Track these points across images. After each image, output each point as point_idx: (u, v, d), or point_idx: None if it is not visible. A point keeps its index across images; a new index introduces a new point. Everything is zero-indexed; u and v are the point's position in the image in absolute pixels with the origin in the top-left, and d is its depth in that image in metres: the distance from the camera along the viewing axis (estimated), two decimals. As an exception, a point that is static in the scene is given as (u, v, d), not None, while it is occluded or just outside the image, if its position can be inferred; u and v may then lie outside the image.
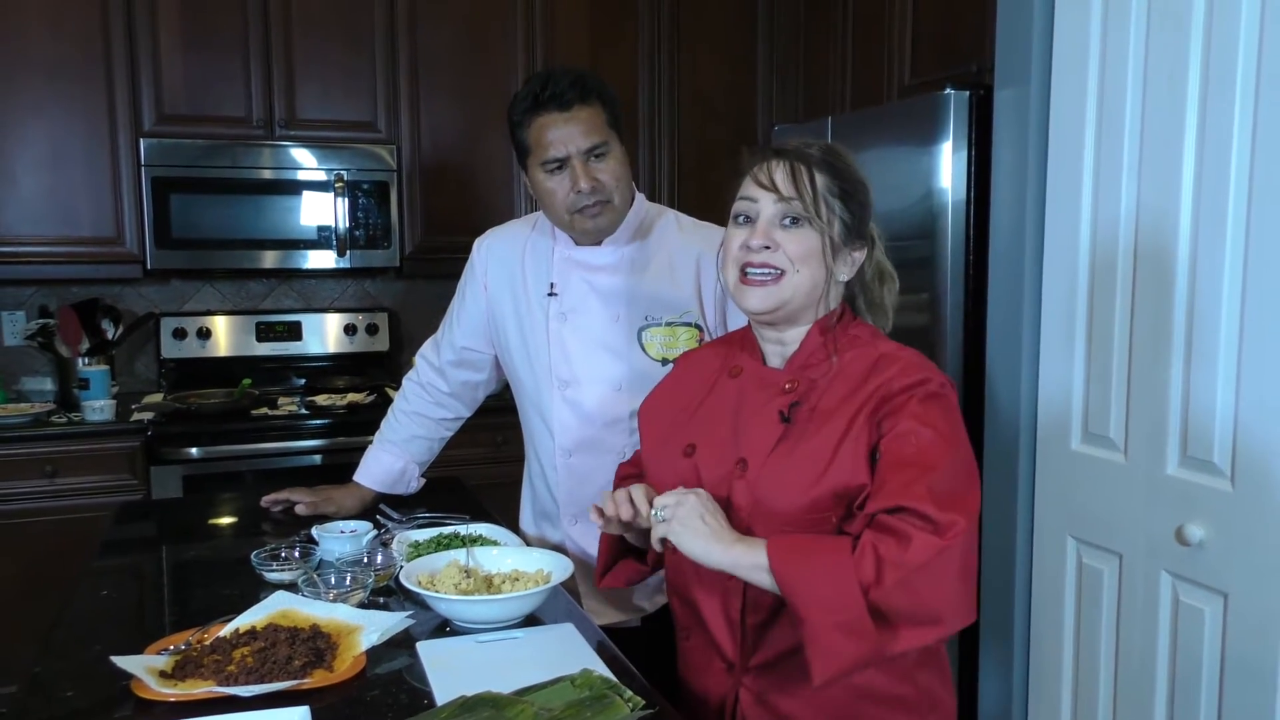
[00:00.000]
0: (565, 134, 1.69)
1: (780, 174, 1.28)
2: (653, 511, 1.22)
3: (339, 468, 2.17)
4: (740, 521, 1.28)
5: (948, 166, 2.48)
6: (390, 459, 2.07)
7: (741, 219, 1.32)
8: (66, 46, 3.18)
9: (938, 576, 1.13)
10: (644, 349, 1.80)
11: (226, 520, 2.14)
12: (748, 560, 1.17)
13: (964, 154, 2.47)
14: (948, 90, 2.46)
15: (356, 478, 2.08)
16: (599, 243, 1.81)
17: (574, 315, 1.82)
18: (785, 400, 1.31)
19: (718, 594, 1.34)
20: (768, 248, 1.28)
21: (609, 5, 3.74)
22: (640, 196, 1.87)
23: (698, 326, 1.80)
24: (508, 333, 1.91)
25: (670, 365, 1.75)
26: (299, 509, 2.00)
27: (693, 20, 3.85)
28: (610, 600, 1.84)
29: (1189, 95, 1.86)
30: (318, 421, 3.27)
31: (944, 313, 2.52)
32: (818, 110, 3.54)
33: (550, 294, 1.84)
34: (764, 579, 1.17)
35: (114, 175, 3.27)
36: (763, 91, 3.95)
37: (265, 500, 2.06)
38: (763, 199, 1.29)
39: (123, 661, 1.25)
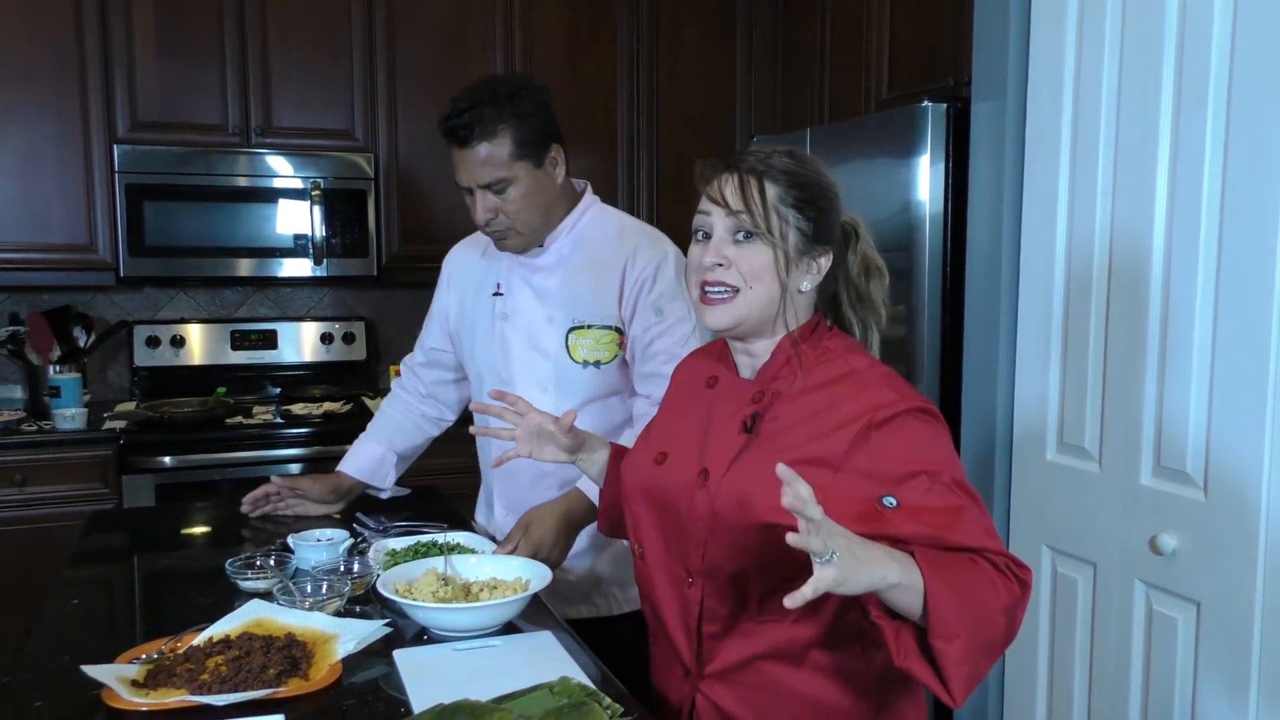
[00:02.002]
0: (466, 166, 1.75)
1: (730, 187, 1.26)
2: (824, 556, 1.01)
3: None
4: (699, 531, 1.27)
5: (925, 179, 2.49)
6: (370, 446, 2.11)
7: (700, 235, 1.29)
8: (40, 51, 3.15)
9: (1026, 603, 1.17)
10: (569, 351, 1.87)
11: (200, 529, 2.11)
12: (906, 581, 1.06)
13: (941, 166, 2.49)
14: (925, 103, 2.48)
15: (338, 467, 2.10)
16: (541, 244, 1.88)
17: (515, 315, 1.91)
18: (749, 411, 1.29)
19: (677, 602, 1.33)
20: (721, 265, 1.25)
21: (587, 16, 3.75)
22: (588, 198, 1.92)
23: (618, 330, 1.86)
24: (462, 332, 2.01)
25: (590, 368, 1.87)
26: (273, 498, 2.01)
27: (672, 32, 3.86)
28: (567, 595, 1.90)
29: (1162, 111, 1.89)
30: (293, 431, 3.25)
31: (921, 324, 2.53)
32: (797, 122, 3.56)
33: (496, 294, 1.93)
34: (913, 600, 1.08)
35: (87, 182, 3.24)
36: (741, 102, 3.97)
37: (245, 507, 2.02)
38: (715, 214, 1.27)
39: (93, 671, 1.23)
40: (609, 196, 3.79)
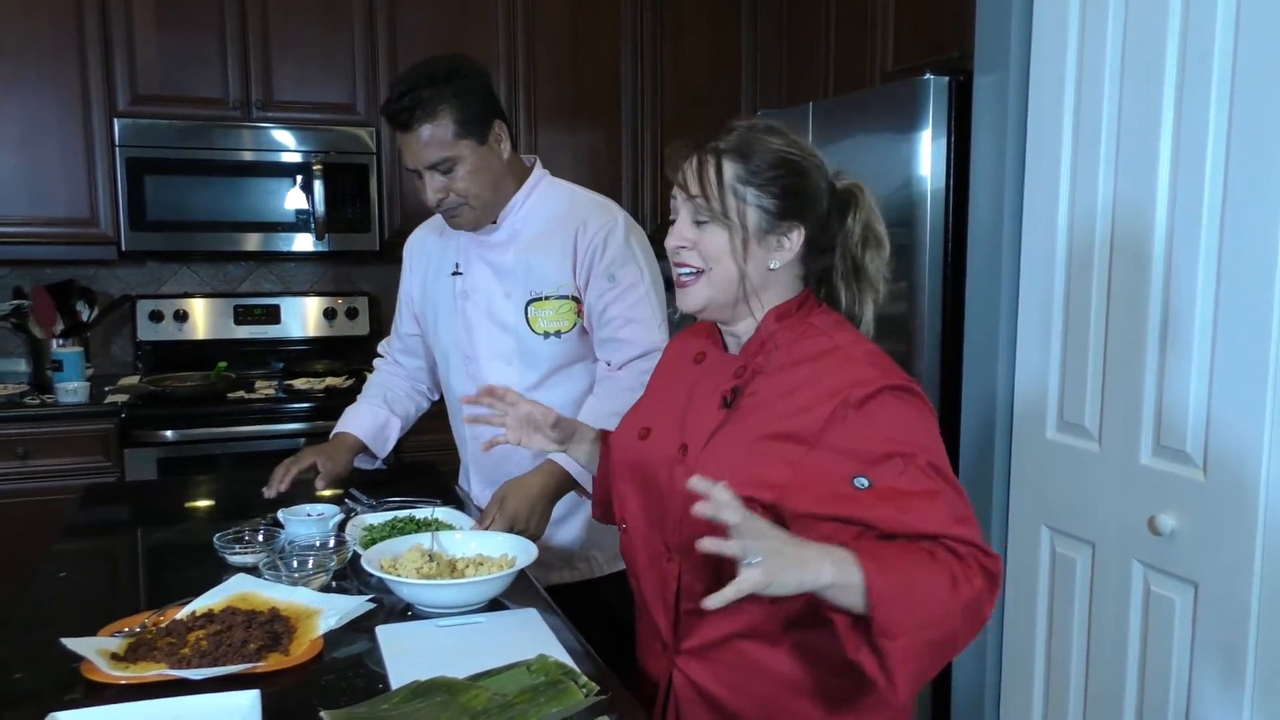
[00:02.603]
0: (411, 150, 1.78)
1: (690, 170, 1.26)
2: (746, 561, 1.03)
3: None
4: (678, 506, 1.26)
5: (927, 154, 2.46)
6: (372, 409, 2.11)
7: (671, 218, 1.30)
8: (39, 24, 3.14)
9: (993, 595, 1.13)
10: (529, 324, 1.89)
11: (194, 504, 2.11)
12: (843, 581, 1.05)
13: (943, 141, 2.45)
14: (927, 75, 2.44)
15: (340, 428, 2.07)
16: (495, 220, 1.90)
17: (474, 293, 1.94)
18: (730, 386, 1.29)
19: (657, 577, 1.33)
20: (684, 247, 1.26)
21: (591, -9, 3.71)
22: (538, 172, 1.93)
23: (575, 298, 1.89)
24: (425, 314, 2.05)
25: (552, 338, 1.90)
26: (318, 483, 1.93)
27: (676, 5, 3.82)
28: (550, 562, 1.92)
29: (1166, 86, 1.85)
30: (295, 405, 3.25)
31: (922, 301, 2.50)
32: (802, 96, 3.52)
33: (455, 273, 1.96)
34: (854, 599, 1.06)
35: (88, 155, 3.23)
36: (746, 76, 3.92)
37: (268, 490, 1.91)
38: (679, 197, 1.28)
39: (73, 644, 1.23)
40: (612, 171, 3.80)
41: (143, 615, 1.37)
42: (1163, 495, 1.89)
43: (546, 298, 1.88)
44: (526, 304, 1.89)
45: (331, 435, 2.08)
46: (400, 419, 2.13)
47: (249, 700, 1.08)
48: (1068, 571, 2.14)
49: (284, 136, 3.37)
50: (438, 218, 2.03)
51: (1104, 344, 2.01)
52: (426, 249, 2.06)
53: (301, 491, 1.94)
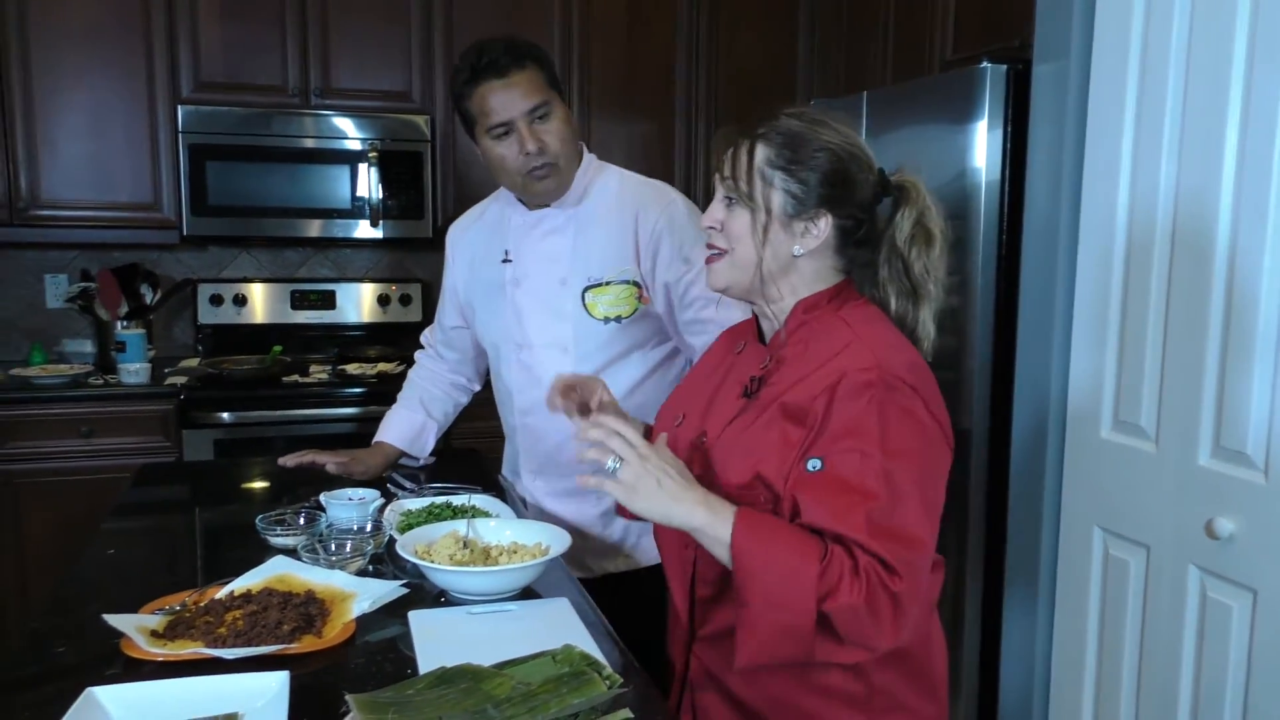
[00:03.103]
0: (506, 99, 1.73)
1: (728, 153, 1.27)
2: (607, 465, 1.15)
3: (367, 436, 2.20)
4: None
5: (982, 144, 2.40)
6: (409, 414, 2.15)
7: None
8: (106, 13, 3.21)
9: (872, 617, 1.10)
10: (588, 310, 1.86)
11: (245, 485, 2.16)
12: (711, 531, 1.13)
13: (1000, 131, 2.39)
14: (984, 64, 2.38)
15: (379, 436, 2.14)
16: (548, 205, 1.86)
17: (525, 280, 1.90)
18: (751, 375, 1.29)
19: (678, 563, 1.34)
20: (714, 228, 1.28)
21: (648, -26, 3.69)
22: (590, 156, 1.91)
23: (636, 284, 1.85)
24: (474, 304, 2.01)
25: (612, 324, 1.84)
26: (330, 467, 2.02)
27: (731, -6, 3.78)
28: (599, 551, 1.93)
29: (1233, 75, 1.78)
30: (348, 390, 3.29)
31: (975, 295, 2.45)
32: (858, 85, 3.46)
33: (505, 260, 1.92)
34: (721, 554, 1.13)
35: (152, 142, 3.31)
36: (803, 66, 3.87)
37: (285, 460, 2.06)
38: (716, 178, 1.29)
39: (114, 620, 1.26)
40: (666, 158, 3.79)
41: (183, 594, 1.40)
42: (1221, 498, 1.82)
43: (607, 283, 1.85)
44: (584, 290, 1.86)
45: (373, 442, 2.13)
46: (438, 421, 2.16)
47: (278, 681, 1.09)
48: (1121, 575, 2.08)
49: (342, 124, 3.42)
50: (479, 208, 2.02)
51: (1163, 341, 1.95)
52: (470, 239, 2.02)
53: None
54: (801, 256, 1.26)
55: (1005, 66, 2.38)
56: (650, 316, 1.88)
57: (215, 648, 1.21)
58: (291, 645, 1.24)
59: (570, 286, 1.86)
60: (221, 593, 1.39)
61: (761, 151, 1.24)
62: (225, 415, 3.17)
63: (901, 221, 1.27)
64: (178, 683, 1.10)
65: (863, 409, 1.14)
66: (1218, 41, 1.81)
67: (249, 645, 1.22)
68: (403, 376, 3.25)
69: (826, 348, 1.22)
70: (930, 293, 1.29)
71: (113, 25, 3.22)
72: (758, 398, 1.26)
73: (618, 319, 1.85)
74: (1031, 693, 2.35)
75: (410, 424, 2.13)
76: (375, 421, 2.20)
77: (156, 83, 3.28)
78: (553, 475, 1.94)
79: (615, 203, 1.87)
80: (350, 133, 3.42)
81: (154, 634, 1.26)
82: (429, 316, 3.87)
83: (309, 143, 3.40)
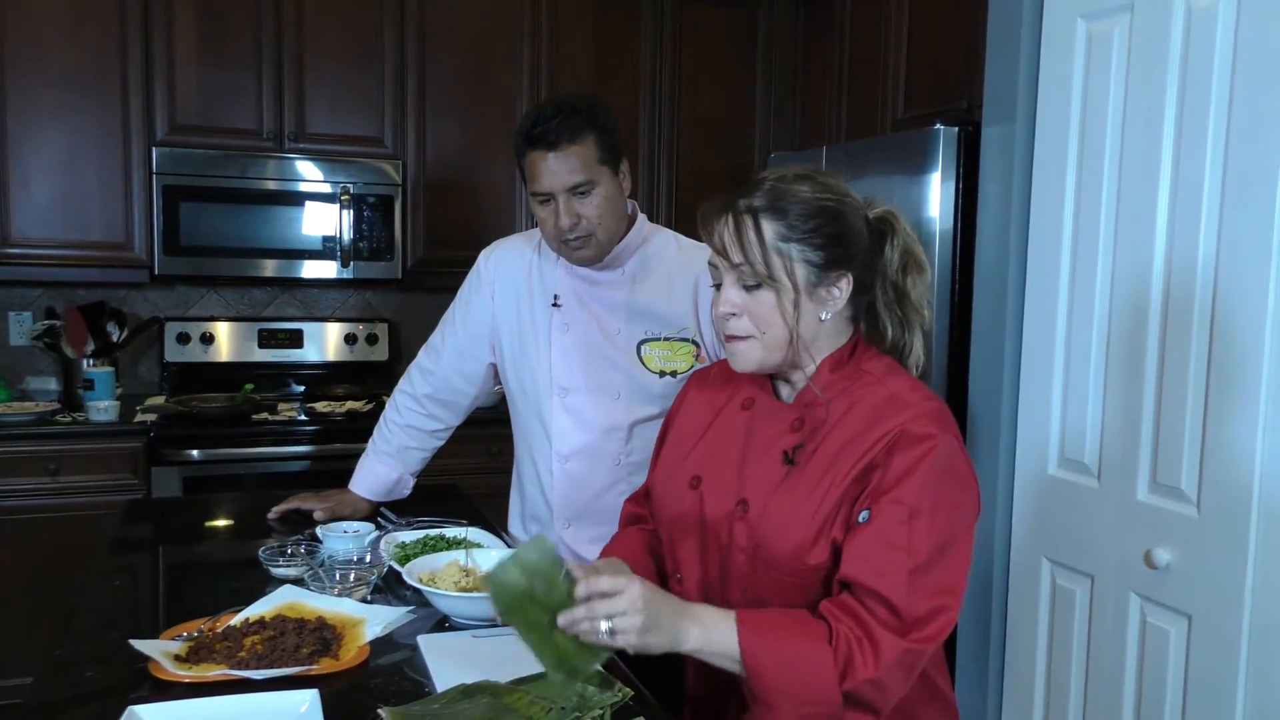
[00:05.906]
0: (550, 171, 1.75)
1: (728, 235, 1.24)
2: (601, 631, 1.13)
3: (336, 474, 2.23)
4: (741, 564, 1.28)
5: (936, 198, 2.57)
6: (385, 469, 2.12)
7: (713, 284, 1.29)
8: (84, 57, 3.26)
9: (902, 674, 1.16)
10: (643, 362, 1.87)
11: (229, 520, 2.20)
12: (712, 649, 1.15)
13: (952, 185, 2.57)
14: (938, 126, 2.56)
15: (353, 487, 2.12)
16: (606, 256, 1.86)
17: (576, 326, 1.90)
18: (791, 440, 1.27)
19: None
20: (734, 314, 1.25)
21: (612, 34, 3.84)
22: (642, 217, 1.95)
23: (695, 342, 1.88)
24: (510, 340, 1.97)
25: (668, 378, 1.85)
26: (317, 514, 2.02)
27: (693, 50, 3.95)
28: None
29: (1164, 140, 1.95)
30: (316, 428, 3.34)
31: (930, 339, 2.58)
32: (814, 139, 3.64)
33: (554, 305, 1.92)
34: (728, 665, 1.15)
35: (125, 182, 3.34)
36: (760, 120, 4.04)
37: (273, 513, 2.05)
38: (720, 265, 1.26)
39: (141, 645, 1.32)
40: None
41: (198, 621, 1.46)
42: (1158, 530, 1.97)
43: (665, 339, 1.87)
44: (639, 343, 1.88)
45: (349, 485, 2.12)
46: (414, 475, 2.15)
47: (310, 698, 1.17)
48: (1067, 603, 2.22)
49: (313, 168, 3.49)
50: (524, 240, 2.00)
51: (1104, 383, 2.11)
52: (516, 276, 1.97)
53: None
54: (828, 320, 1.27)
55: (957, 129, 2.56)
56: None
57: (241, 670, 1.28)
58: (312, 667, 1.31)
59: (625, 337, 1.88)
60: (235, 620, 1.45)
61: (769, 227, 1.22)
62: (194, 453, 3.20)
63: (891, 254, 1.30)
64: (216, 700, 1.16)
65: (914, 464, 1.18)
66: (1151, 107, 1.98)
67: (272, 667, 1.29)
68: (372, 415, 3.35)
69: (869, 407, 1.24)
70: (924, 318, 1.33)
71: (90, 68, 3.26)
72: (806, 464, 1.25)
73: (674, 374, 1.87)
74: (985, 714, 2.47)
75: (384, 480, 2.12)
76: (345, 459, 2.18)
77: (132, 124, 3.33)
78: (588, 523, 1.91)
79: (675, 263, 1.90)
80: (322, 176, 3.49)
81: (178, 658, 1.32)
82: (395, 355, 3.97)
83: (282, 185, 3.46)
